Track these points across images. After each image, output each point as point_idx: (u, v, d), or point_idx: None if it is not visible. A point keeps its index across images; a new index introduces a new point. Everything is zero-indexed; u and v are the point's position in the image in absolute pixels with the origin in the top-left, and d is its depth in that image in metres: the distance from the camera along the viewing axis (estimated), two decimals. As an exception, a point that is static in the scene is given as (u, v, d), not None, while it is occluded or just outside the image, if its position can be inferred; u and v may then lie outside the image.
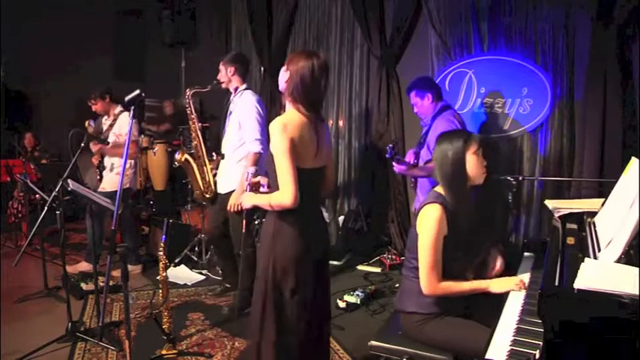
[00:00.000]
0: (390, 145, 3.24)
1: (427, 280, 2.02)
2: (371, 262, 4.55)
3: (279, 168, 1.93)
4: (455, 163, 2.04)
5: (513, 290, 1.99)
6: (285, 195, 1.92)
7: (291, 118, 1.97)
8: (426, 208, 2.04)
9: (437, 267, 2.02)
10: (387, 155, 3.22)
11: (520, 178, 3.12)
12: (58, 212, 3.05)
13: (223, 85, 3.52)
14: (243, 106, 3.40)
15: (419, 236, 2.04)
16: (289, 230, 2.01)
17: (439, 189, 2.11)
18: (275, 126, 1.94)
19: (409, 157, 3.40)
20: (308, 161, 2.00)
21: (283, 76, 2.05)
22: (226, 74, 3.47)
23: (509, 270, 2.28)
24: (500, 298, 2.05)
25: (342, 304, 3.57)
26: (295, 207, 1.93)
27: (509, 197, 3.15)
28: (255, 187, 2.20)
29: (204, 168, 3.62)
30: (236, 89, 3.50)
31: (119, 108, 4.28)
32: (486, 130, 3.87)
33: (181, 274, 4.29)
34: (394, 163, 3.29)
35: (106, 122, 4.34)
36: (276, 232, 2.02)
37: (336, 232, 5.15)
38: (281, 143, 1.91)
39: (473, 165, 2.06)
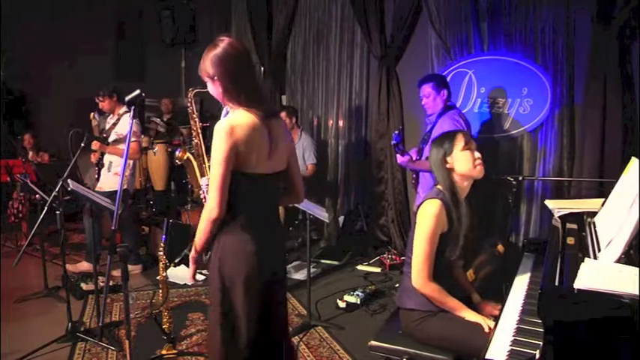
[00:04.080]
0: (396, 132, 3.26)
1: (418, 273, 2.03)
2: (371, 262, 4.55)
3: (211, 175, 1.73)
4: (442, 162, 2.11)
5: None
6: (208, 205, 1.73)
7: (239, 120, 1.74)
8: (426, 203, 2.07)
9: (429, 261, 2.02)
10: (392, 142, 3.25)
11: (520, 178, 3.12)
12: (58, 212, 3.05)
13: None
14: None
15: (416, 229, 2.07)
16: (237, 244, 1.80)
17: (441, 186, 2.13)
18: (220, 129, 1.71)
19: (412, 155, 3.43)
20: (259, 166, 1.77)
21: (211, 87, 1.83)
22: None
23: (509, 270, 2.28)
24: (501, 298, 2.05)
25: (342, 304, 3.57)
26: (243, 218, 1.78)
27: (510, 197, 3.15)
28: None
29: (204, 166, 3.66)
30: None
31: (124, 109, 4.30)
32: (487, 130, 3.87)
33: (181, 274, 4.28)
34: (397, 155, 3.32)
35: (109, 121, 4.37)
36: (222, 249, 1.81)
37: (336, 232, 5.15)
38: (220, 149, 1.70)
39: (464, 161, 2.09)
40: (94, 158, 4.31)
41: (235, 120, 1.75)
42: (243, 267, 1.80)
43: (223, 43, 1.80)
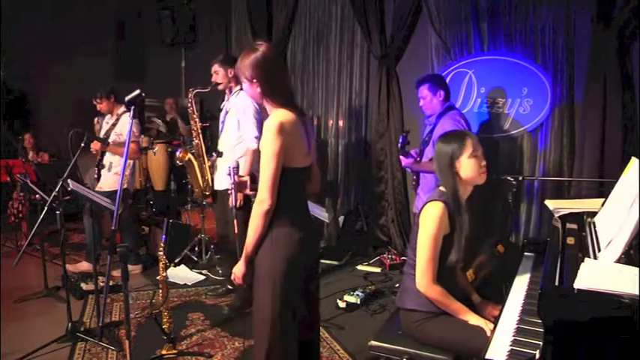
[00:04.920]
0: (403, 134, 3.25)
1: (422, 276, 2.03)
2: (371, 262, 4.55)
3: (262, 169, 1.85)
4: (449, 165, 2.08)
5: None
6: (259, 198, 1.86)
7: (285, 117, 1.88)
8: (428, 205, 2.06)
9: (433, 263, 2.03)
10: (399, 144, 3.25)
11: (520, 178, 3.12)
12: (58, 212, 3.05)
13: (221, 87, 3.56)
14: (242, 105, 3.43)
15: (419, 232, 2.06)
16: (288, 234, 1.93)
17: (443, 188, 2.13)
18: (271, 125, 1.84)
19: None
20: (300, 160, 1.93)
21: (248, 88, 1.97)
22: (226, 75, 3.51)
23: (509, 270, 2.28)
24: (501, 298, 2.05)
25: (342, 304, 3.57)
26: (290, 210, 1.92)
27: (510, 197, 3.15)
28: (240, 187, 2.14)
29: (204, 166, 3.66)
30: (231, 89, 3.56)
31: (122, 108, 4.30)
32: (486, 130, 3.87)
33: (181, 274, 4.29)
34: (401, 157, 3.31)
35: (108, 122, 4.37)
36: (275, 238, 1.93)
37: (336, 232, 5.15)
38: (273, 144, 1.83)
39: (470, 168, 2.07)
40: (93, 147, 4.22)
41: (282, 117, 1.87)
42: (296, 255, 1.93)
43: (262, 47, 1.93)
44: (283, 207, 1.91)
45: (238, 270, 2.00)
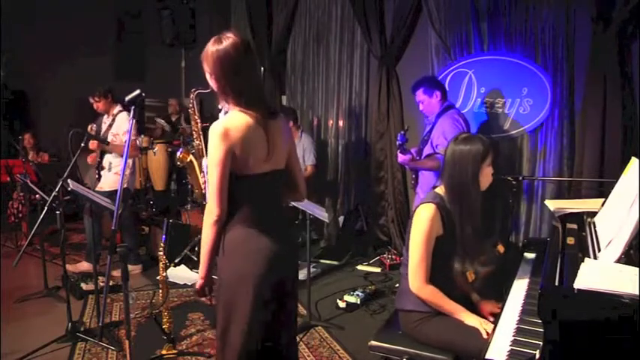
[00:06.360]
0: (402, 132, 3.25)
1: (413, 277, 2.04)
2: (371, 262, 4.55)
3: (209, 178, 1.72)
4: (470, 168, 2.06)
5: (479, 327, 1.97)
6: (208, 208, 1.72)
7: (234, 122, 1.72)
8: (421, 208, 2.08)
9: (425, 265, 2.03)
10: (397, 141, 3.25)
11: (520, 178, 3.12)
12: (58, 212, 3.05)
13: None
14: None
15: (411, 234, 2.08)
16: (240, 245, 1.77)
17: (439, 190, 2.14)
18: (214, 132, 1.70)
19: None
20: (257, 166, 1.76)
21: (209, 81, 1.80)
22: None
23: (509, 270, 2.28)
24: (501, 298, 2.05)
25: (342, 304, 3.58)
26: (245, 220, 1.76)
27: (510, 197, 3.15)
28: None
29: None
30: None
31: (118, 108, 4.29)
32: (486, 130, 3.87)
33: (181, 274, 4.29)
34: (399, 153, 3.31)
35: (105, 122, 4.36)
36: (226, 249, 1.78)
37: (336, 232, 5.16)
38: (216, 152, 1.69)
39: (486, 175, 2.10)
40: (90, 160, 4.28)
41: (230, 122, 1.73)
42: (249, 263, 1.76)
43: (227, 41, 1.73)
44: (236, 214, 1.77)
45: (197, 282, 1.85)
